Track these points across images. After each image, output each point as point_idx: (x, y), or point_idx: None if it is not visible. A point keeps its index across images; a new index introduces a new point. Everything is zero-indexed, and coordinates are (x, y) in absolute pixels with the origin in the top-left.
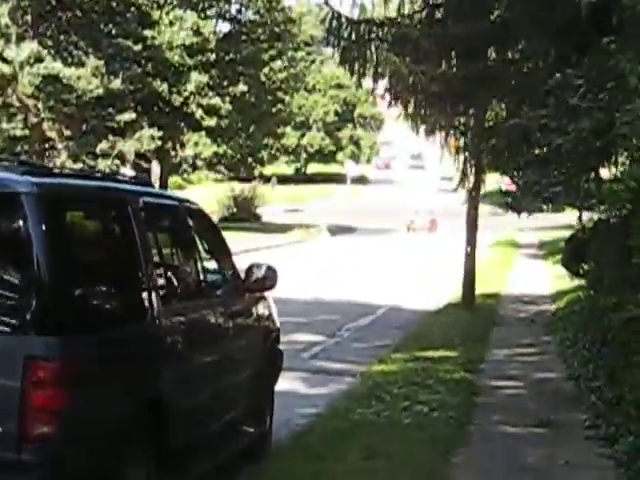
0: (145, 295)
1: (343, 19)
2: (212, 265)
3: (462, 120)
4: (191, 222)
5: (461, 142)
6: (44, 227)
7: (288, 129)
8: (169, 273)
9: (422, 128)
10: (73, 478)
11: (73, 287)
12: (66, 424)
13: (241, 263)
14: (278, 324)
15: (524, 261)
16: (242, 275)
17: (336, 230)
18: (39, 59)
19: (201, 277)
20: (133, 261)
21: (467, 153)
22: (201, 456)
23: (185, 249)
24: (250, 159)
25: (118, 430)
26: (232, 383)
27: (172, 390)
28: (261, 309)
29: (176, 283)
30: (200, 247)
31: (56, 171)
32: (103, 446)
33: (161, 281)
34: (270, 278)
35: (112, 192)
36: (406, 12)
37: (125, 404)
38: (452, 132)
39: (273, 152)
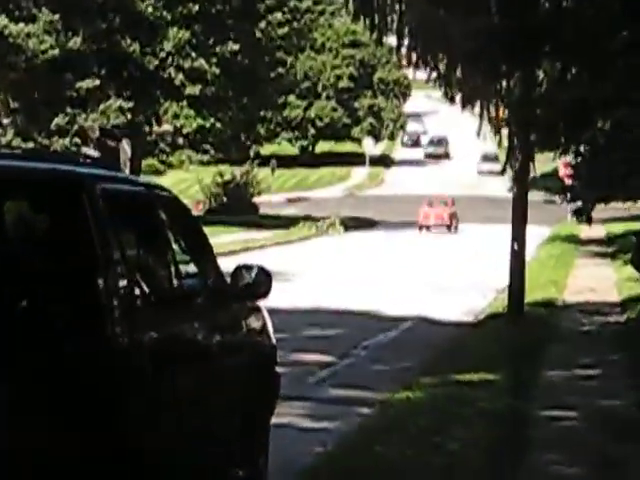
0: (102, 306)
1: None
2: (190, 268)
3: (506, 85)
4: (163, 214)
5: (506, 113)
6: None
7: (291, 98)
8: (135, 277)
9: (458, 96)
10: None
11: (12, 295)
12: None
13: (228, 265)
14: (274, 341)
15: (587, 260)
16: (228, 280)
17: (352, 224)
18: None
19: (175, 283)
20: (87, 262)
21: (512, 127)
22: None
23: (155, 248)
24: (244, 136)
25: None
26: (215, 417)
27: (135, 429)
28: (252, 322)
29: (143, 290)
30: (175, 245)
31: None
32: None
33: (124, 288)
34: (263, 283)
35: (60, 175)
36: None
37: (81, 446)
38: (494, 101)
39: (272, 127)
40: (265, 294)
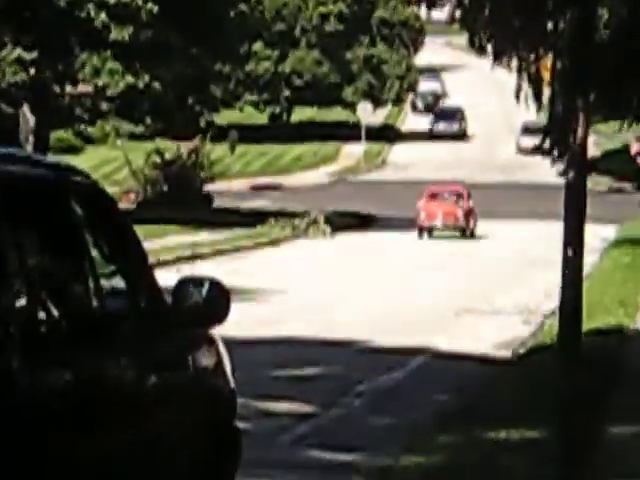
0: None
1: None
2: (115, 282)
3: (553, 26)
4: (78, 208)
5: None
6: None
7: (258, 46)
8: (37, 296)
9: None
10: None
11: None
12: None
13: (168, 281)
14: (233, 384)
15: None
16: (169, 299)
17: (340, 222)
18: None
19: (94, 303)
20: None
21: (562, 85)
22: None
23: (66, 254)
24: (192, 99)
25: None
26: None
27: None
28: (202, 358)
29: (50, 314)
30: (94, 251)
31: None
32: None
33: (23, 310)
34: (217, 304)
35: None
36: None
37: None
38: (539, 49)
39: (232, 87)
40: (221, 319)
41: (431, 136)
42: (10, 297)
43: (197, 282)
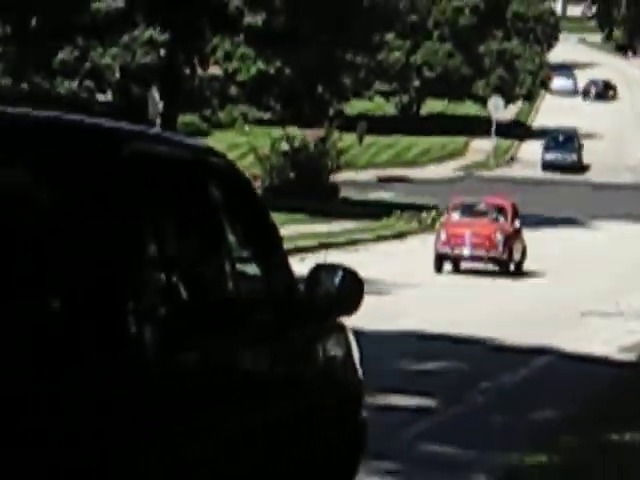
0: (130, 313)
1: None
2: (251, 268)
3: None
4: (216, 191)
5: None
6: None
7: (390, 36)
8: (172, 279)
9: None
10: None
11: (12, 293)
12: None
13: (295, 269)
14: (361, 375)
15: None
16: (302, 287)
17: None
18: None
19: (230, 287)
20: (113, 255)
21: None
22: None
23: (203, 238)
24: (321, 88)
25: None
26: (272, 477)
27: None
28: (333, 348)
29: (183, 296)
30: (230, 236)
31: None
32: None
33: (157, 293)
34: (351, 292)
35: (82, 130)
36: None
37: None
38: None
39: (362, 76)
40: (353, 308)
41: (545, 166)
42: (137, 278)
43: (331, 270)
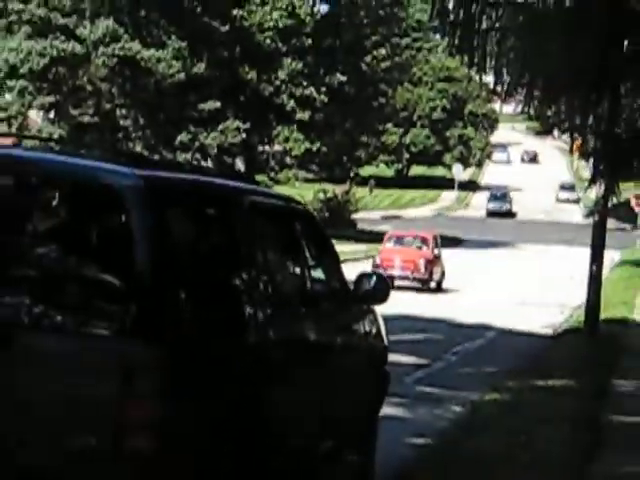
0: (248, 302)
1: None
2: (319, 273)
3: (589, 118)
4: (299, 225)
5: (591, 144)
6: (148, 224)
7: (389, 126)
8: (273, 280)
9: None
10: None
11: (175, 290)
12: (163, 439)
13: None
14: (386, 342)
15: None
16: (351, 286)
17: (442, 241)
18: (115, 38)
19: (307, 286)
20: (237, 265)
21: (595, 157)
22: None
23: (291, 255)
24: (346, 158)
25: (217, 449)
26: (335, 406)
27: (272, 411)
28: (369, 325)
29: (280, 291)
30: (307, 253)
31: (160, 162)
32: (201, 465)
33: (264, 288)
34: (381, 290)
35: (220, 188)
36: None
37: (224, 423)
38: (578, 132)
39: (372, 151)
40: (383, 299)
41: (488, 214)
42: (254, 281)
43: (369, 275)
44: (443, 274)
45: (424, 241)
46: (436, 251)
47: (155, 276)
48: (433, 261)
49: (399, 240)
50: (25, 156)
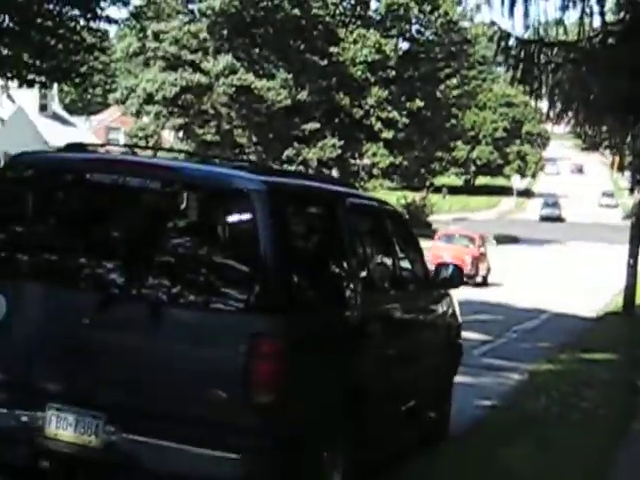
0: (349, 285)
1: (513, 39)
2: (406, 263)
3: (628, 137)
4: (390, 223)
5: (628, 159)
6: (271, 221)
7: (459, 143)
8: (369, 267)
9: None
10: (284, 444)
11: (292, 274)
12: (283, 395)
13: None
14: (460, 320)
15: None
16: (431, 273)
17: (501, 239)
18: (233, 71)
19: (397, 273)
20: (340, 255)
21: (634, 170)
22: (392, 434)
23: (384, 247)
24: (423, 170)
25: (327, 404)
26: (419, 371)
27: (370, 374)
28: (446, 305)
29: (375, 277)
30: (396, 246)
31: (278, 170)
32: (313, 417)
33: (362, 274)
34: (456, 277)
35: (326, 192)
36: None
37: (333, 382)
38: (616, 150)
39: (444, 164)
40: (458, 285)
41: (542, 219)
42: (354, 267)
43: (446, 265)
44: (489, 270)
45: (471, 240)
46: (482, 249)
47: (274, 262)
48: (479, 257)
49: (448, 238)
50: (171, 165)
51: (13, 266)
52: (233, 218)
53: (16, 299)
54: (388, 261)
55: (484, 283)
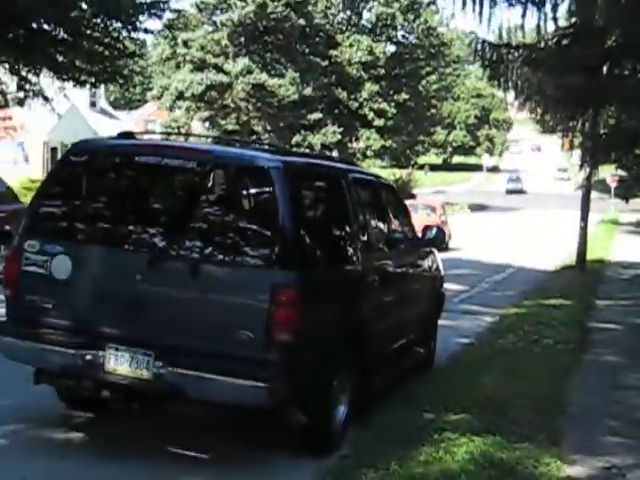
0: (351, 245)
1: (486, 44)
2: (398, 226)
3: (577, 123)
4: (384, 194)
5: (576, 141)
6: (287, 193)
7: (438, 128)
8: (368, 230)
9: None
10: (301, 374)
11: (304, 236)
12: (299, 335)
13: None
14: (442, 273)
15: (624, 236)
16: (419, 234)
17: (474, 207)
18: (250, 71)
19: (390, 235)
20: (344, 220)
21: (584, 150)
22: (388, 366)
23: (380, 213)
24: (408, 151)
25: (336, 342)
26: (410, 315)
27: (371, 317)
28: (431, 261)
29: (373, 238)
30: (390, 212)
31: (292, 152)
32: (325, 352)
33: (362, 236)
34: (439, 238)
35: (332, 168)
36: (539, 39)
37: (340, 324)
38: (568, 133)
39: (426, 146)
40: (441, 244)
41: (507, 192)
42: (356, 230)
43: (430, 227)
44: (449, 236)
45: (432, 209)
46: (443, 217)
47: (290, 227)
48: (440, 225)
49: (413, 208)
50: (204, 148)
51: (76, 232)
52: (256, 191)
53: (79, 259)
54: (383, 225)
55: (445, 248)
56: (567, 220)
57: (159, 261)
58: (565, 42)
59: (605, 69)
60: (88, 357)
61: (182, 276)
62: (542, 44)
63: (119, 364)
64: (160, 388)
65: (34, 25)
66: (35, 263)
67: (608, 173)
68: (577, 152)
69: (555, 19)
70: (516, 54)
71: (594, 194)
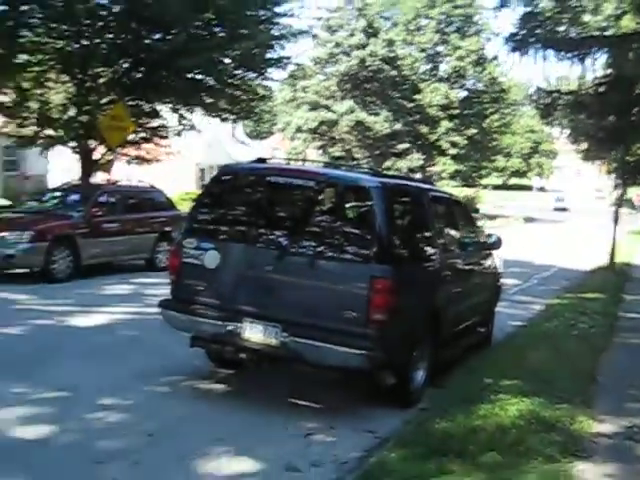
0: (433, 248)
1: (540, 90)
2: (466, 233)
3: (613, 154)
4: (455, 207)
5: (612, 167)
6: (383, 206)
7: (498, 157)
8: (444, 236)
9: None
10: (391, 345)
11: (396, 240)
12: (391, 315)
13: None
14: (500, 270)
15: None
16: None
17: (526, 219)
18: (352, 111)
19: (460, 239)
20: (426, 228)
21: (617, 174)
22: (457, 341)
23: (452, 223)
24: (475, 174)
25: (417, 321)
26: (474, 302)
27: (444, 303)
28: (491, 261)
29: (447, 242)
30: (460, 222)
31: (387, 174)
32: (409, 329)
33: (440, 240)
34: (498, 242)
35: (417, 187)
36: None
37: (421, 307)
38: (605, 161)
39: (488, 170)
40: (499, 247)
41: (554, 209)
42: (436, 236)
43: (491, 235)
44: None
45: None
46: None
47: (385, 232)
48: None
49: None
50: (319, 171)
51: (222, 233)
52: (358, 204)
53: (224, 253)
54: (455, 232)
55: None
56: (602, 231)
57: (284, 256)
58: (602, 89)
59: (635, 111)
60: (230, 327)
61: (301, 268)
62: (584, 91)
63: (253, 333)
64: (285, 353)
65: (191, 76)
66: (192, 256)
67: (635, 193)
68: (612, 176)
69: (594, 70)
70: (563, 99)
71: (624, 210)
